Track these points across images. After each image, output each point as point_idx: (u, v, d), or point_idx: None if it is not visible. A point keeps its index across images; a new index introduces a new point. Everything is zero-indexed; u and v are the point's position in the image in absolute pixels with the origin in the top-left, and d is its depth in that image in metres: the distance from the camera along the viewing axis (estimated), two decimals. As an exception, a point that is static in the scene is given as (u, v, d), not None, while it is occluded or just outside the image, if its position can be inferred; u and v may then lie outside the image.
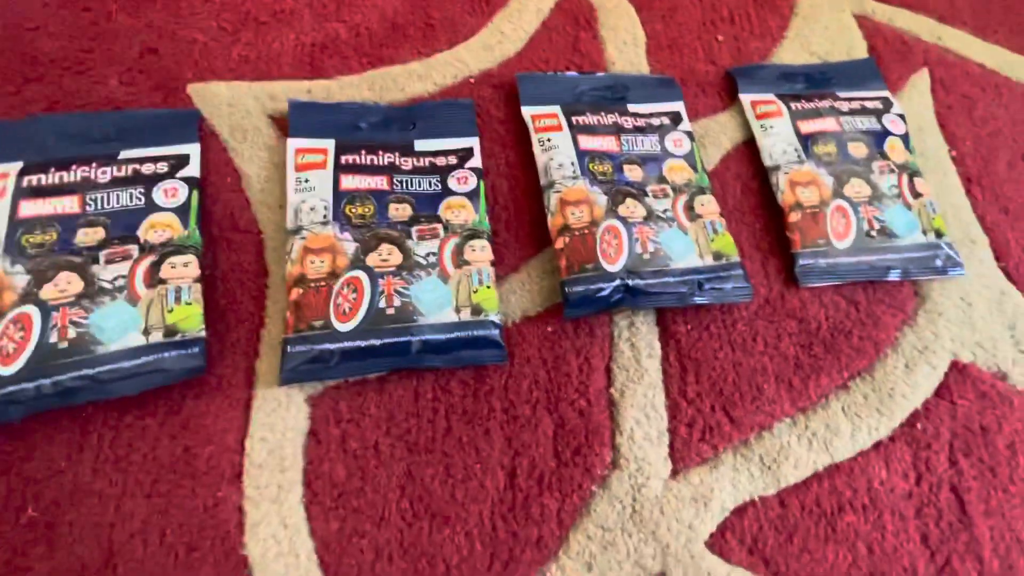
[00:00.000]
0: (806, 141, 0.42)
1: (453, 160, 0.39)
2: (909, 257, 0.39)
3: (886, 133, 0.43)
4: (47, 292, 0.32)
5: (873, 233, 0.40)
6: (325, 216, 0.35)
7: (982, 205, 0.44)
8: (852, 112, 0.44)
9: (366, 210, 0.36)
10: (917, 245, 0.40)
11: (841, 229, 0.39)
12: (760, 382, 0.36)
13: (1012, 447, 0.36)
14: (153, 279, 0.33)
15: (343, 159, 0.38)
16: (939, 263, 0.39)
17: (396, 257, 0.35)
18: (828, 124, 0.43)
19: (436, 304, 0.34)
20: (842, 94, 0.45)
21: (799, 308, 0.39)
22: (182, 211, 0.35)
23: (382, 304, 0.33)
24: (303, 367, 0.32)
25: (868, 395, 0.36)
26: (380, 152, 0.38)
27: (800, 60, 0.48)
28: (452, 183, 0.38)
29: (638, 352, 0.36)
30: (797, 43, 0.49)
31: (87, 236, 0.33)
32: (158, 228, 0.34)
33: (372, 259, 0.34)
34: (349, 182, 0.37)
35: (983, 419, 0.36)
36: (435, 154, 0.39)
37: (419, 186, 0.38)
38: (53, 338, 0.31)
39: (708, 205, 0.39)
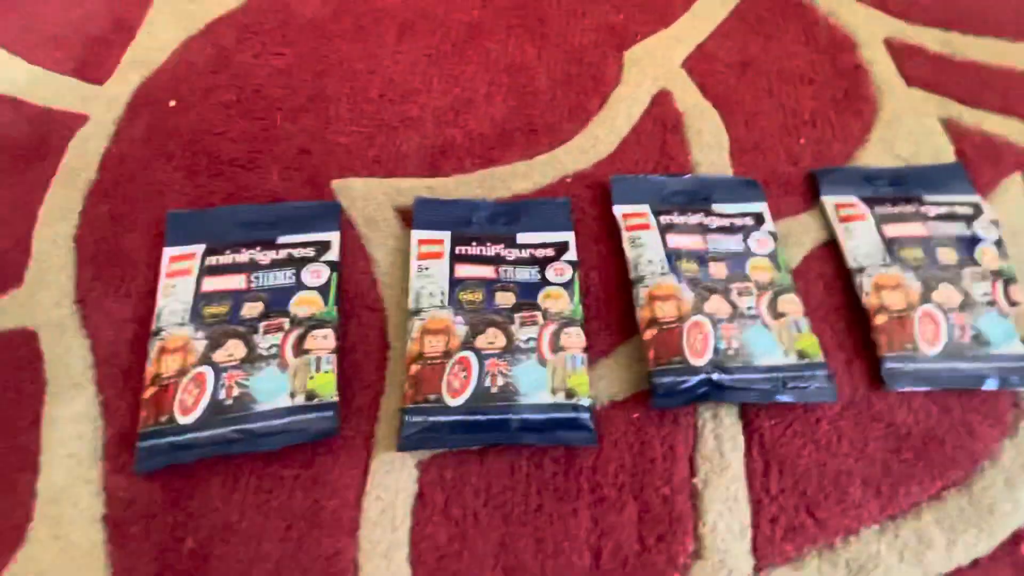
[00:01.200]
0: (891, 245, 0.44)
1: (551, 252, 0.44)
2: (1006, 367, 0.39)
3: (976, 239, 0.44)
4: (220, 356, 0.38)
5: (965, 340, 0.40)
6: (442, 301, 0.41)
7: (1087, 315, 0.42)
8: (940, 217, 0.45)
9: (476, 296, 0.41)
10: (1015, 355, 0.39)
11: (930, 335, 0.40)
12: (846, 484, 0.37)
13: None
14: (299, 349, 0.39)
15: (457, 250, 0.44)
16: (1040, 374, 0.39)
17: (501, 340, 0.39)
18: (914, 229, 0.45)
19: (534, 385, 0.38)
20: (928, 198, 0.47)
21: (886, 412, 0.39)
22: (324, 290, 0.42)
23: (487, 383, 0.38)
24: (418, 435, 0.36)
25: (964, 508, 0.36)
26: (488, 244, 0.44)
27: (884, 163, 0.50)
28: (550, 274, 0.43)
29: (721, 444, 0.38)
30: (880, 146, 0.51)
31: (251, 309, 0.41)
32: (304, 304, 0.41)
33: (480, 341, 0.39)
34: (462, 271, 0.42)
35: (1098, 547, 0.35)
36: (535, 246, 0.44)
37: (521, 276, 0.43)
38: (221, 395, 0.37)
39: (792, 304, 0.41)
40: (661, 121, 0.53)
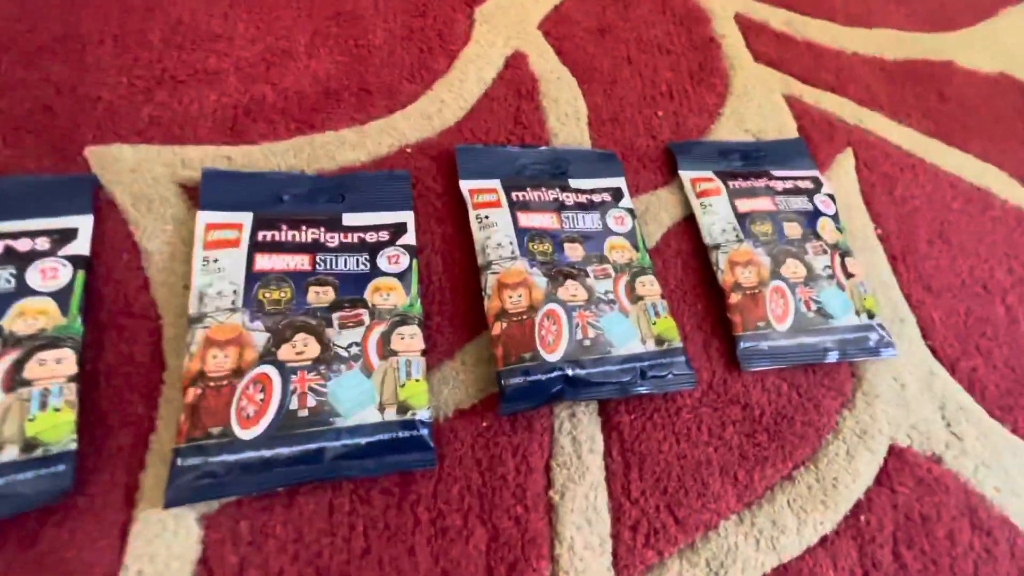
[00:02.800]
0: (743, 220, 0.43)
1: (385, 236, 0.37)
2: (845, 339, 0.39)
3: (817, 213, 0.45)
4: None
5: (810, 314, 0.40)
6: (234, 302, 0.32)
7: (907, 283, 0.45)
8: (786, 191, 0.45)
9: (282, 294, 0.33)
10: (852, 326, 0.40)
11: (780, 311, 0.39)
12: (705, 475, 0.35)
13: (951, 536, 0.35)
14: (14, 381, 0.28)
15: (260, 235, 0.34)
16: (872, 344, 0.40)
17: (313, 349, 0.31)
18: (763, 203, 0.44)
19: (357, 402, 0.31)
20: (776, 172, 0.47)
21: (742, 393, 0.38)
22: (62, 295, 0.31)
23: (294, 405, 0.30)
24: (194, 484, 0.27)
25: (812, 486, 0.35)
26: (303, 227, 0.35)
27: (736, 137, 0.50)
28: (382, 262, 0.35)
29: (579, 447, 0.34)
30: (733, 120, 0.51)
31: (-65, 328, 0.28)
32: (29, 317, 0.30)
33: (285, 352, 0.31)
34: (265, 262, 0.33)
35: (922, 507, 0.36)
36: (365, 229, 0.37)
37: (345, 265, 0.35)
38: None
39: (650, 286, 0.39)
40: (515, 86, 0.47)
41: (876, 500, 0.36)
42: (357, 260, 0.35)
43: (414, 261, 0.36)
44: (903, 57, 0.59)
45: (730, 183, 0.45)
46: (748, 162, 0.47)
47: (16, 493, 0.26)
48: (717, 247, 0.42)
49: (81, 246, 0.33)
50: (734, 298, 0.39)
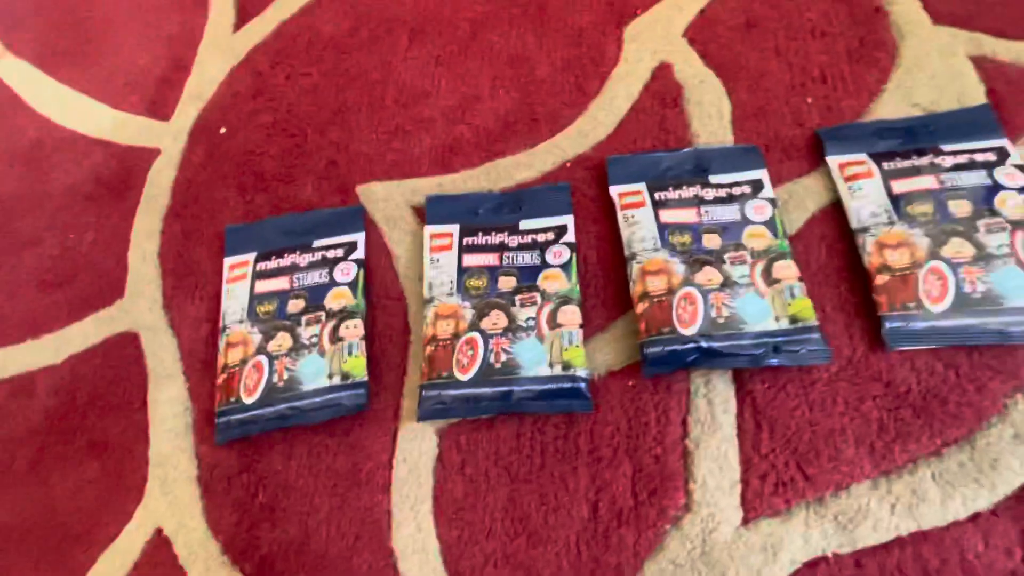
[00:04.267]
0: (898, 201, 0.43)
1: (551, 236, 0.47)
2: (1021, 320, 0.38)
3: (997, 187, 0.42)
4: (272, 346, 0.46)
5: (976, 295, 0.39)
6: (451, 288, 0.46)
7: None
8: (956, 167, 0.43)
9: (481, 283, 0.46)
10: (1032, 308, 0.38)
11: (936, 292, 0.39)
12: (839, 442, 0.38)
13: None
14: (334, 337, 0.46)
15: (465, 241, 0.48)
16: (1062, 327, 0.37)
17: (503, 321, 0.44)
18: (925, 182, 0.43)
19: (534, 360, 0.42)
20: (947, 147, 0.44)
21: (886, 371, 0.39)
22: (353, 285, 0.48)
23: (492, 360, 0.42)
24: (434, 407, 0.42)
25: (965, 464, 0.36)
26: (493, 233, 0.48)
27: (900, 113, 0.48)
28: (549, 257, 0.46)
29: (714, 407, 0.40)
30: (898, 95, 0.49)
31: (294, 306, 0.48)
32: (337, 299, 0.48)
33: (485, 323, 0.44)
34: (469, 260, 0.47)
35: (1116, 501, 0.34)
36: (536, 232, 0.48)
37: (522, 260, 0.46)
38: (275, 379, 0.45)
39: (787, 270, 0.42)
40: (660, 96, 0.53)
41: (1049, 486, 0.35)
42: (531, 256, 0.47)
43: (574, 255, 0.46)
44: None
45: (885, 164, 0.44)
46: (912, 139, 0.46)
47: (340, 404, 0.44)
48: (865, 230, 0.43)
49: (360, 253, 0.50)
50: (880, 279, 0.41)
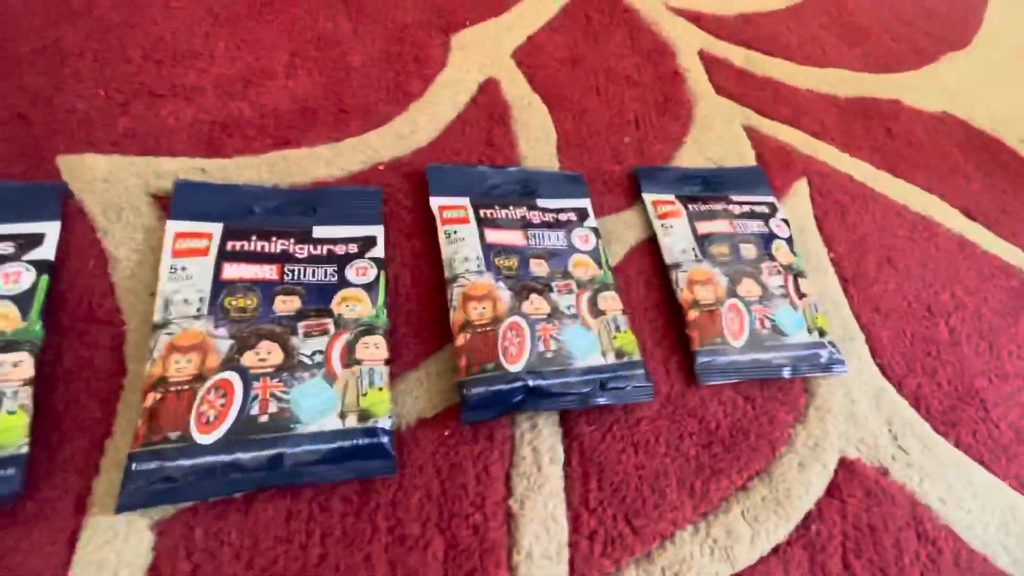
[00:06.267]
0: (702, 241, 0.45)
1: (354, 249, 0.38)
2: (798, 355, 0.41)
3: (772, 236, 0.47)
4: None
5: (764, 331, 0.41)
6: (199, 309, 0.32)
7: (857, 304, 0.47)
8: (743, 215, 0.48)
9: (248, 302, 0.33)
10: (804, 344, 0.42)
11: (736, 327, 0.41)
12: (663, 486, 0.36)
13: (898, 545, 0.37)
14: (-30, 383, 0.28)
15: (229, 245, 0.35)
16: (823, 360, 0.42)
17: (276, 356, 0.32)
18: (721, 225, 0.46)
19: (318, 410, 0.31)
20: (735, 197, 0.49)
21: (699, 407, 0.39)
22: (23, 299, 0.31)
23: (255, 411, 0.30)
24: (148, 489, 0.27)
25: (766, 496, 0.37)
26: (273, 239, 0.36)
27: (697, 163, 0.52)
28: (350, 274, 0.36)
29: (540, 457, 0.35)
30: (695, 148, 0.53)
31: None
32: (-11, 320, 0.30)
33: (248, 359, 0.31)
34: (232, 271, 0.34)
35: (871, 518, 0.37)
36: (335, 242, 0.38)
37: (313, 276, 0.35)
38: None
39: (611, 301, 0.40)
40: (488, 111, 0.49)
41: (826, 510, 0.37)
42: (325, 271, 0.36)
43: (382, 273, 0.37)
44: (854, 95, 0.63)
45: (690, 206, 0.47)
46: (708, 187, 0.49)
47: (-38, 497, 0.26)
48: (677, 266, 0.43)
49: (47, 251, 0.33)
50: (692, 315, 0.41)
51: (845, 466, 0.39)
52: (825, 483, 0.38)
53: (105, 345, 0.32)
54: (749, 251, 0.45)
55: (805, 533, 0.36)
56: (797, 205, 0.52)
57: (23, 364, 0.29)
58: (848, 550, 0.36)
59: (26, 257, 0.32)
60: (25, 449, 0.27)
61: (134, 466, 0.28)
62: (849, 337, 0.45)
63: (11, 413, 0.28)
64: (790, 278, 0.45)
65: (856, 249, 0.51)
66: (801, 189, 0.53)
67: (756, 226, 0.47)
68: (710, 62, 0.61)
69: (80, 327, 0.32)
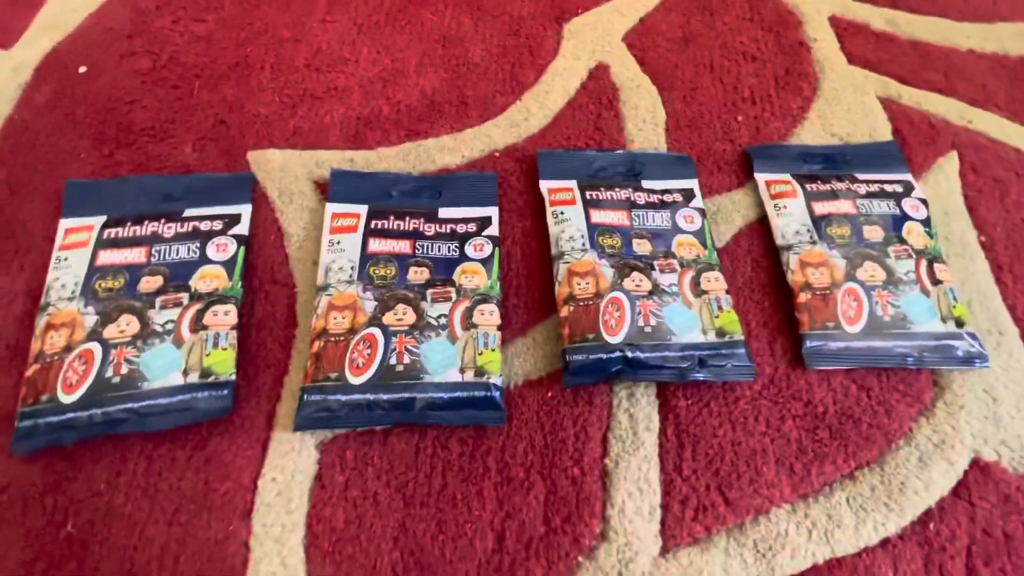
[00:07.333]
0: (819, 222, 0.43)
1: (472, 228, 0.42)
2: (926, 345, 0.38)
3: (905, 217, 0.43)
4: (111, 331, 0.36)
5: (887, 318, 0.39)
6: (351, 276, 0.39)
7: (1012, 294, 0.42)
8: (869, 195, 0.44)
9: (388, 272, 0.39)
10: (935, 334, 0.39)
11: (852, 313, 0.39)
12: (759, 463, 0.36)
13: (1040, 559, 0.33)
14: (198, 325, 0.37)
15: (373, 224, 0.42)
16: (960, 353, 0.38)
17: (410, 317, 0.38)
18: (843, 206, 0.44)
19: (443, 364, 0.36)
20: (860, 176, 0.46)
21: (805, 390, 0.38)
22: (230, 265, 0.40)
23: (392, 360, 0.36)
24: (315, 415, 0.35)
25: (876, 487, 0.35)
26: (407, 218, 0.42)
27: (820, 141, 0.49)
28: (469, 250, 0.41)
29: (636, 423, 0.37)
30: (818, 124, 0.50)
31: (147, 284, 0.38)
32: (207, 279, 0.39)
33: (388, 318, 0.37)
34: (375, 245, 0.41)
35: (1006, 525, 0.34)
36: (456, 221, 0.43)
37: (439, 251, 0.41)
38: (108, 373, 0.35)
39: (715, 282, 0.40)
40: (597, 96, 0.51)
41: (950, 511, 0.35)
42: (449, 247, 0.41)
43: (496, 250, 0.41)
44: (1029, 53, 0.54)
45: (808, 186, 0.45)
46: (830, 165, 0.47)
47: (195, 407, 0.35)
48: (789, 248, 0.42)
49: (243, 228, 0.42)
50: (802, 297, 0.40)
51: (979, 467, 0.36)
52: (952, 483, 0.35)
53: (283, 303, 0.40)
54: (874, 233, 0.42)
55: (922, 531, 0.34)
56: (940, 183, 0.47)
57: (231, 313, 0.38)
58: (974, 554, 0.33)
59: (230, 232, 0.41)
60: (233, 377, 0.36)
61: (305, 397, 0.35)
62: (998, 330, 0.41)
63: (224, 349, 0.36)
64: (923, 263, 0.41)
65: (1017, 232, 0.45)
66: (947, 165, 0.48)
67: (885, 206, 0.44)
68: (844, 28, 0.56)
69: (265, 288, 0.41)
